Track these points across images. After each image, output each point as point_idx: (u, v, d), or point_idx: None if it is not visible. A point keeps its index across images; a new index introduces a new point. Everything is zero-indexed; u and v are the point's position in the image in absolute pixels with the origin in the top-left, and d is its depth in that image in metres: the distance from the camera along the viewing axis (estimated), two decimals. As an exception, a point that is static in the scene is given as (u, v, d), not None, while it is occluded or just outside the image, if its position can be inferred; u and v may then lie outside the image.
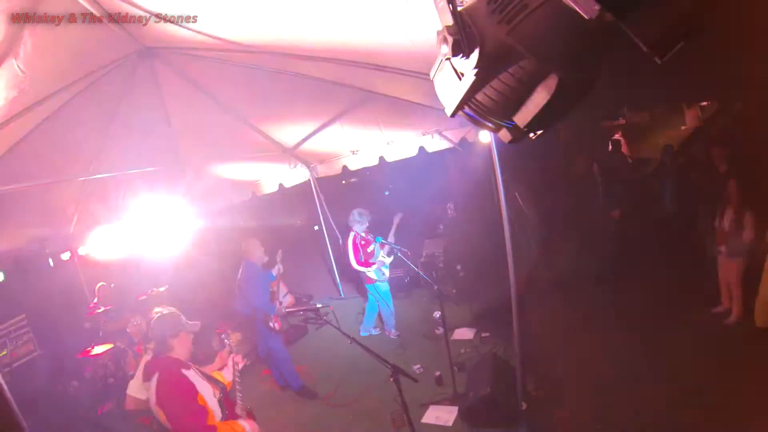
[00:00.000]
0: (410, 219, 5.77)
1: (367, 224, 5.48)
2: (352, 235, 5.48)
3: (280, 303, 4.82)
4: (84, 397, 5.56)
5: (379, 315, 5.81)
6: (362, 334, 5.79)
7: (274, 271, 4.95)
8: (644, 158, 8.75)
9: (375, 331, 5.84)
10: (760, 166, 4.62)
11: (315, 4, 2.26)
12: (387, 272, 5.58)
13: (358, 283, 6.84)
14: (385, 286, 5.59)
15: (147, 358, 2.36)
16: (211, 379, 2.42)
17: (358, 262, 5.40)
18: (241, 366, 2.75)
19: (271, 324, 4.58)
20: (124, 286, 6.65)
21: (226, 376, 2.67)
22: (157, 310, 2.45)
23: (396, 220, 5.62)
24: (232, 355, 2.76)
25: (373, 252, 5.49)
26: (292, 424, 4.28)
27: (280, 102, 4.32)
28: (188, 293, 6.62)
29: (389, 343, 5.51)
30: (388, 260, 5.57)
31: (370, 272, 5.45)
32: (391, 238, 5.49)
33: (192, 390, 2.19)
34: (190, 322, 2.41)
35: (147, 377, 2.24)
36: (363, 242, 5.43)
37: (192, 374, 2.28)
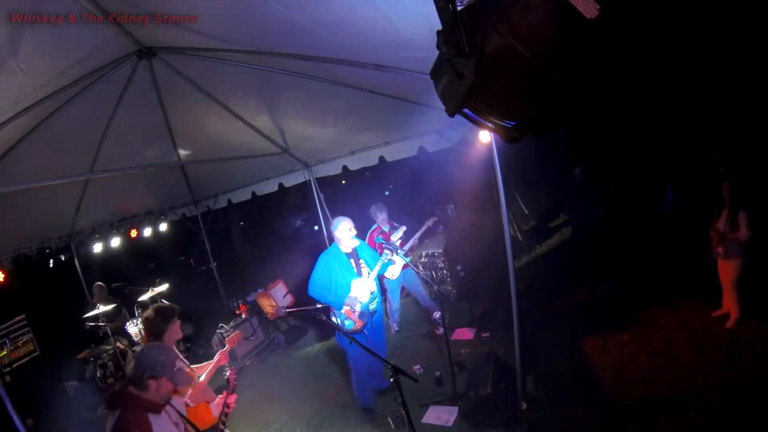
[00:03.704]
0: (410, 218, 5.76)
1: (386, 214, 5.56)
2: (372, 228, 5.55)
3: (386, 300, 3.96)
4: (84, 397, 5.58)
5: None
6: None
7: (393, 238, 4.06)
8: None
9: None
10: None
11: (315, 6, 2.26)
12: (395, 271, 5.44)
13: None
14: (391, 284, 5.63)
15: (117, 384, 2.11)
16: (187, 424, 2.15)
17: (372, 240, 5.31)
18: (231, 410, 2.49)
19: (334, 319, 3.72)
20: (124, 284, 6.65)
21: (213, 411, 2.45)
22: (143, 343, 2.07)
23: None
24: (225, 393, 2.53)
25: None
26: (292, 424, 4.27)
27: (280, 102, 4.32)
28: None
29: (389, 344, 5.50)
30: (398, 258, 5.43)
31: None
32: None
33: None
34: (177, 363, 1.98)
35: (110, 406, 1.92)
36: (382, 234, 5.41)
37: (161, 421, 1.96)
